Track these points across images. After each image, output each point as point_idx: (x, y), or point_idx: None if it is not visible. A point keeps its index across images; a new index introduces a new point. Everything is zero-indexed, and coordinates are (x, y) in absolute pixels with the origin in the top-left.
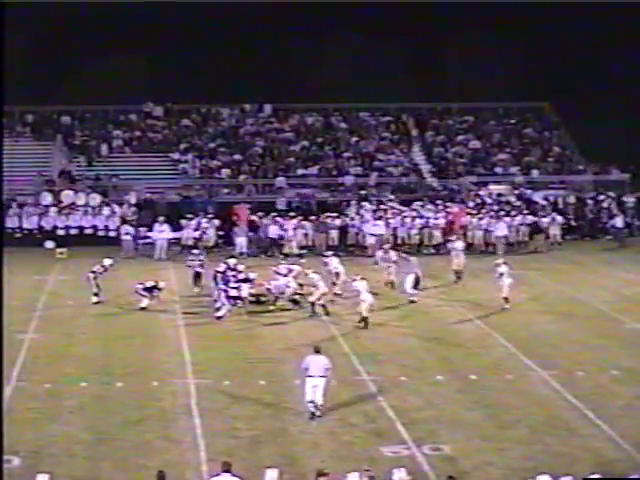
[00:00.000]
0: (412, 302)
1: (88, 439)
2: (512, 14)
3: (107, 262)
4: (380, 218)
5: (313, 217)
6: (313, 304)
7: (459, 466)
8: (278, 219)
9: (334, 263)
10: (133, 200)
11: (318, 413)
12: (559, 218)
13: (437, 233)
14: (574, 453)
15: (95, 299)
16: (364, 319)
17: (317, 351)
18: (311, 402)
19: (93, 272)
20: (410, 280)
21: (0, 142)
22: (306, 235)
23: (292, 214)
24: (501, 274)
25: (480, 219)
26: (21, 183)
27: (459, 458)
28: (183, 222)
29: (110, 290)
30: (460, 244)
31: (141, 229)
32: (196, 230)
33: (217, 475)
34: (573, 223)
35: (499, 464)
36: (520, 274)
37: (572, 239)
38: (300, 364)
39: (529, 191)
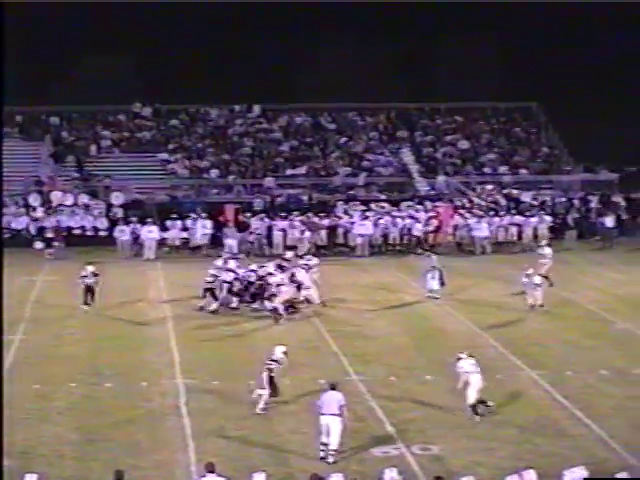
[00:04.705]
0: (435, 297)
1: (77, 440)
2: (500, 15)
3: (90, 269)
4: (367, 218)
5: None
6: (275, 309)
7: (448, 466)
8: (266, 219)
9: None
10: (119, 201)
11: (330, 460)
12: (547, 218)
13: (421, 231)
14: (563, 453)
15: (85, 308)
16: (482, 402)
17: (332, 387)
18: (323, 444)
19: (82, 277)
20: (436, 278)
21: (0, 142)
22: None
23: (283, 214)
24: (536, 284)
25: (466, 219)
26: (10, 183)
27: (448, 458)
28: (168, 223)
29: (98, 291)
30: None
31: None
32: (184, 230)
33: (203, 476)
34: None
35: (488, 464)
36: (509, 274)
37: (560, 238)
38: (315, 402)
39: (516, 191)
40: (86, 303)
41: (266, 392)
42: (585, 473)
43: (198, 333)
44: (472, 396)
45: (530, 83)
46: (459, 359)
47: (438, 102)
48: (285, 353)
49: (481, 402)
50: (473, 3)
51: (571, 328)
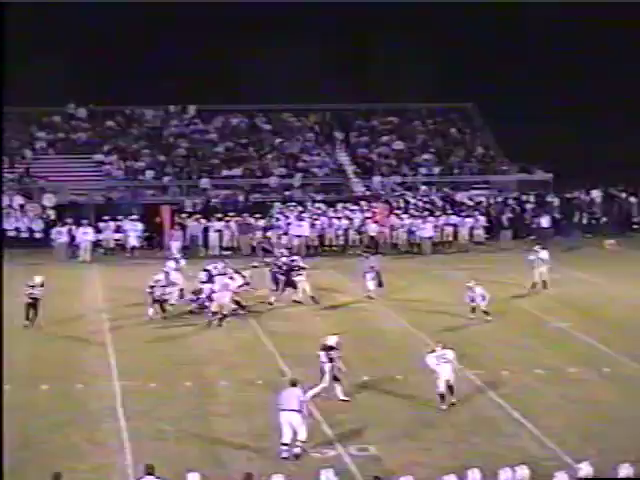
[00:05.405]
0: (370, 298)
1: (13, 443)
2: (436, 15)
3: (38, 279)
4: (302, 219)
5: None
6: (215, 313)
7: (385, 466)
8: (202, 220)
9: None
10: (51, 202)
11: (298, 450)
12: (482, 218)
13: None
14: (499, 452)
15: (26, 323)
16: (442, 396)
17: (293, 384)
18: (285, 445)
19: (29, 287)
20: (373, 277)
21: (1, 142)
22: (233, 236)
23: (218, 215)
24: (483, 295)
25: (402, 219)
26: None
27: (386, 458)
28: (102, 224)
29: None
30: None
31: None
32: (117, 232)
33: (140, 478)
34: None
35: (426, 464)
36: (446, 274)
37: (495, 239)
38: (275, 398)
39: (451, 191)
40: (28, 318)
41: (325, 384)
42: (526, 472)
43: (135, 335)
44: (440, 386)
45: (465, 84)
46: (432, 351)
47: (373, 103)
48: (339, 343)
49: (443, 396)
50: (409, 3)
51: (507, 328)
